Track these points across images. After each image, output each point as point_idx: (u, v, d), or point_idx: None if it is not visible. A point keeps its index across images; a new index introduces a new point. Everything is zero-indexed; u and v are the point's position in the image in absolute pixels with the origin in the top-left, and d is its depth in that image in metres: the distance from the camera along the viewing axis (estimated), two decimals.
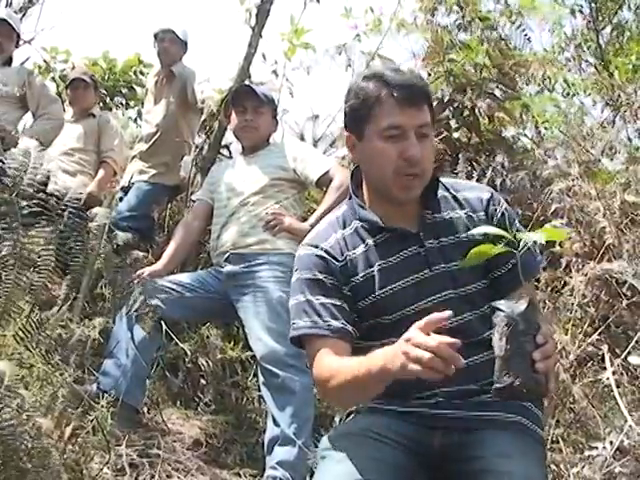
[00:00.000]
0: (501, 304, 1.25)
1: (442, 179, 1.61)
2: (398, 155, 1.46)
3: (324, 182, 2.82)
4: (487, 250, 1.29)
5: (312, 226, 2.74)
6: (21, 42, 3.89)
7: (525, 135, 4.15)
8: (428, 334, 1.21)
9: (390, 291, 1.50)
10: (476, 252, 1.29)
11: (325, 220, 1.63)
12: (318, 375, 1.47)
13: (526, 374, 1.20)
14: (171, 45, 3.96)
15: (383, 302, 1.50)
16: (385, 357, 1.29)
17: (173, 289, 2.74)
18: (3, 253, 1.55)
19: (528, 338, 1.22)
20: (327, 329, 1.47)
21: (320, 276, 1.51)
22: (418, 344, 1.20)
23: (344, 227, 1.57)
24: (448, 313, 1.23)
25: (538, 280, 2.89)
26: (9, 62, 3.70)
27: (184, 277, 2.86)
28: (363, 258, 1.53)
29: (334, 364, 1.43)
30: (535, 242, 1.48)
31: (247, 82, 3.55)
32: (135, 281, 2.23)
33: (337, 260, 1.53)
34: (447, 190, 1.58)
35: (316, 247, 1.55)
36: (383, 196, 1.54)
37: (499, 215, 1.54)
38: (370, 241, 1.54)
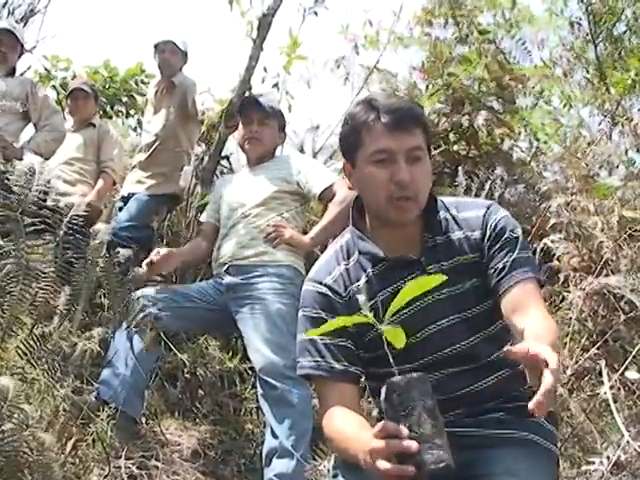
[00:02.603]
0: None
1: (445, 199, 1.59)
2: (389, 179, 1.44)
3: (327, 196, 2.81)
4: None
5: (313, 239, 2.77)
6: (24, 51, 3.90)
7: (521, 150, 4.17)
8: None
9: (396, 320, 1.50)
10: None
11: (330, 250, 1.61)
12: (324, 427, 1.47)
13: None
14: (171, 56, 3.98)
15: None
16: (360, 451, 1.24)
17: (173, 300, 2.74)
18: (7, 269, 1.56)
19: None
20: (329, 371, 1.47)
21: (322, 314, 1.50)
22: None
23: (348, 258, 1.56)
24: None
25: None
26: (12, 73, 3.70)
27: (184, 288, 2.86)
28: (366, 289, 1.50)
29: (335, 424, 1.42)
30: (529, 256, 1.50)
31: (253, 94, 3.54)
32: (141, 277, 2.22)
33: (340, 296, 1.52)
34: (448, 211, 1.56)
35: (319, 283, 1.54)
36: (382, 221, 1.52)
37: (493, 227, 1.51)
38: (371, 270, 1.52)
